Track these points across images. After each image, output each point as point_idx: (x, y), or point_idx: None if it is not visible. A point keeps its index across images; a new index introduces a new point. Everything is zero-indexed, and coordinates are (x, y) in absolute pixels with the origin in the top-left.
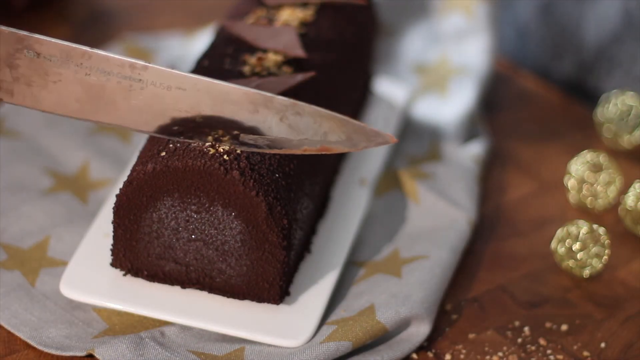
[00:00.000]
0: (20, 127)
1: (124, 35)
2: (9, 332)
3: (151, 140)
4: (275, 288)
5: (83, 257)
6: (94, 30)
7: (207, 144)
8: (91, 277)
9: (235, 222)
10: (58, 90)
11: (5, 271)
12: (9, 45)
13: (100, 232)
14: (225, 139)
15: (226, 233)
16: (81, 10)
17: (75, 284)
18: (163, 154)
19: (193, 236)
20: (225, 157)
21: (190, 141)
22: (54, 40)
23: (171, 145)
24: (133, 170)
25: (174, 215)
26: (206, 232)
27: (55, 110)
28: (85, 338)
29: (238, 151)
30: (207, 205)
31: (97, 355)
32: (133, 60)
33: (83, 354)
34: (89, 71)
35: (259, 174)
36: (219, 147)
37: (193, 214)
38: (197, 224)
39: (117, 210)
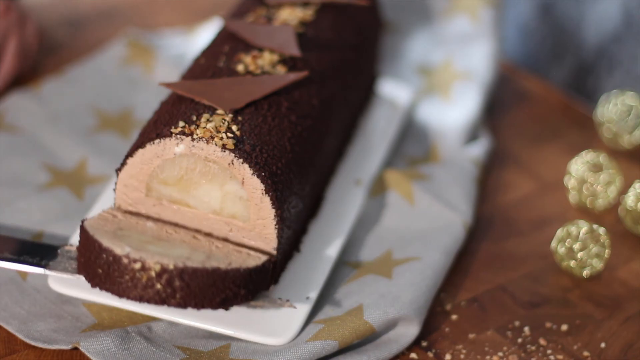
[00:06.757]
0: (21, 123)
1: (127, 31)
2: (8, 333)
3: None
4: None
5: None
6: (96, 28)
7: (137, 265)
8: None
9: None
10: None
11: None
12: None
13: None
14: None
15: None
16: (82, 8)
17: (64, 277)
18: (100, 270)
19: None
20: (158, 286)
21: (121, 255)
22: None
23: (104, 256)
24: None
25: None
26: None
27: None
28: (73, 332)
29: (170, 266)
30: None
31: (81, 348)
32: None
33: (69, 347)
34: None
35: (198, 287)
36: (149, 267)
37: None
38: None
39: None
